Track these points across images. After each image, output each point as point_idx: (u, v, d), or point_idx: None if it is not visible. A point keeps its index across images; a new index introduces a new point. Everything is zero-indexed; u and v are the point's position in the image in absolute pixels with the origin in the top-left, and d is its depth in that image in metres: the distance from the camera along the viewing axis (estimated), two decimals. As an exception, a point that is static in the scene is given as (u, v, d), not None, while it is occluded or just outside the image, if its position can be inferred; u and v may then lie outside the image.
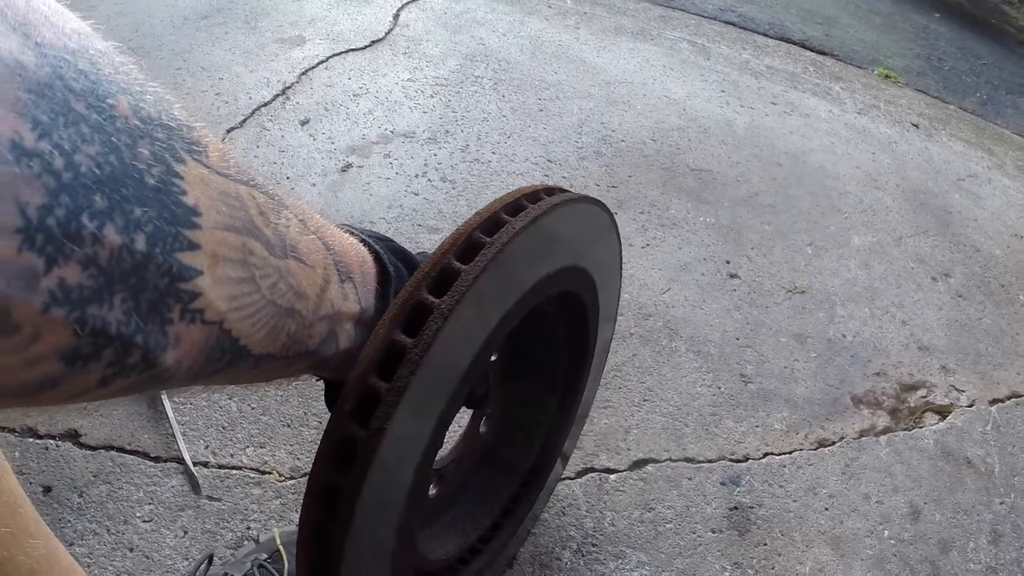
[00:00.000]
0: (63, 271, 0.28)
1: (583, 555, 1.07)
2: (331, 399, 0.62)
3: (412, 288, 0.54)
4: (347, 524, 0.53)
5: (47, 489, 1.01)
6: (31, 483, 1.02)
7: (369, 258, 0.56)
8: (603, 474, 1.15)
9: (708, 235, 1.56)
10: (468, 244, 0.57)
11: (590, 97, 1.86)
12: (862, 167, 1.81)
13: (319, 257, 0.47)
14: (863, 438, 1.28)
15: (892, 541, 1.16)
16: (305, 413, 1.15)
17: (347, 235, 0.54)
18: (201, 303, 0.35)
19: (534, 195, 0.63)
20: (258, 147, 1.57)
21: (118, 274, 0.30)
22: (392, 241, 0.60)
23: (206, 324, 0.36)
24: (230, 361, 0.41)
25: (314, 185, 1.51)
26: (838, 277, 1.53)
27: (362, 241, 0.56)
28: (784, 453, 1.22)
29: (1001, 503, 1.23)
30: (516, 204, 0.61)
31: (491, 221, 0.59)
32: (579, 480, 1.14)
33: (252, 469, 1.07)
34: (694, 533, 1.11)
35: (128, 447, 1.06)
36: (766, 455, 1.21)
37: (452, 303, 0.53)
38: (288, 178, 1.52)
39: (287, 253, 0.43)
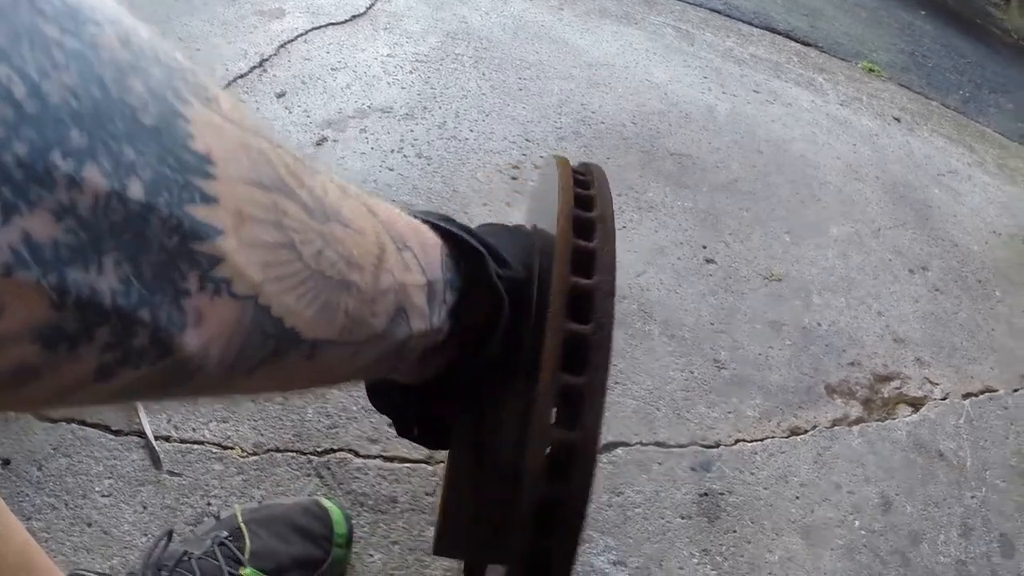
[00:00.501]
0: (28, 222, 0.22)
1: (548, 538, 1.05)
2: (389, 403, 0.58)
3: (564, 272, 0.50)
4: (575, 542, 0.48)
5: (6, 462, 0.99)
6: (-11, 456, 0.99)
7: (423, 226, 0.49)
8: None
9: (685, 219, 1.54)
10: (577, 222, 0.54)
11: (571, 78, 1.84)
12: (843, 158, 1.80)
13: (368, 223, 0.40)
14: (836, 427, 1.26)
15: (863, 532, 1.15)
16: (270, 388, 1.12)
17: (390, 204, 0.48)
18: (226, 271, 0.29)
19: (582, 167, 0.63)
20: (232, 119, 1.54)
21: (107, 228, 0.24)
22: (434, 214, 0.54)
23: (236, 298, 0.30)
24: (276, 349, 0.34)
25: (288, 158, 1.48)
26: (815, 266, 1.51)
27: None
28: (756, 440, 1.21)
29: (972, 497, 1.22)
30: (581, 180, 0.59)
31: (577, 198, 0.56)
32: (547, 462, 1.12)
33: (214, 444, 1.05)
34: (663, 518, 1.09)
35: (89, 420, 1.04)
36: (738, 441, 1.20)
37: (610, 281, 0.50)
38: (262, 152, 1.48)
39: (329, 217, 0.36)
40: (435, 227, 0.50)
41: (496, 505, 0.52)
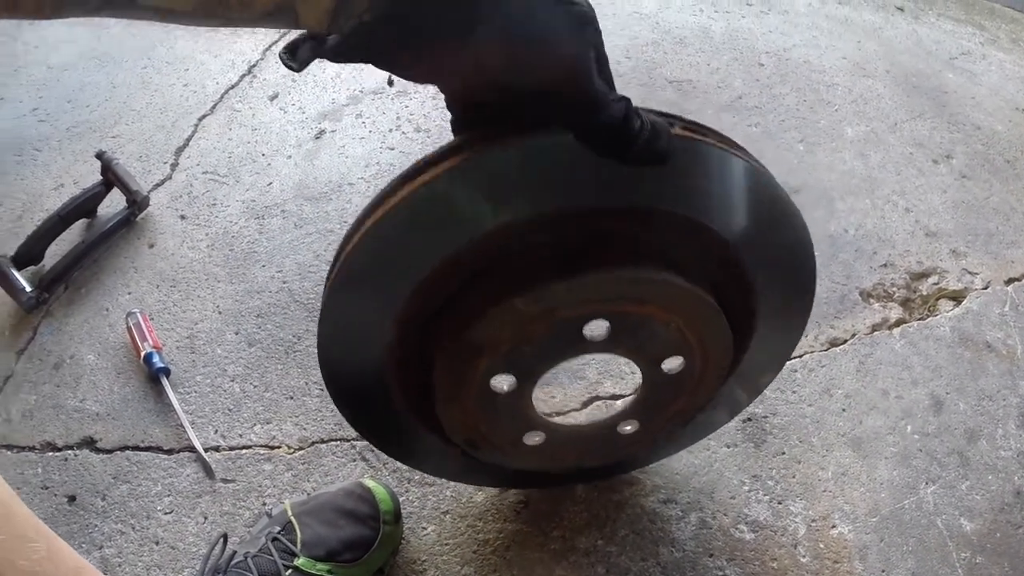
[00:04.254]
0: None
1: (595, 487, 1.05)
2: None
3: None
4: None
5: (72, 498, 1.05)
6: (56, 495, 1.05)
7: None
8: (609, 401, 1.12)
9: (694, 148, 1.50)
10: None
11: (559, 25, 1.80)
12: (848, 57, 1.74)
13: None
14: (876, 333, 1.23)
15: (916, 436, 1.12)
16: (306, 383, 1.15)
17: None
18: None
19: None
20: (231, 130, 1.56)
21: None
22: None
23: None
24: None
25: (290, 157, 1.49)
26: (834, 171, 1.47)
27: None
28: (795, 357, 1.19)
29: (1027, 385, 1.19)
30: None
31: None
32: (585, 410, 1.11)
33: (261, 446, 1.09)
34: (708, 450, 1.08)
35: (142, 444, 1.10)
36: (776, 362, 1.18)
37: None
38: (263, 155, 1.50)
39: None
40: None
41: None
